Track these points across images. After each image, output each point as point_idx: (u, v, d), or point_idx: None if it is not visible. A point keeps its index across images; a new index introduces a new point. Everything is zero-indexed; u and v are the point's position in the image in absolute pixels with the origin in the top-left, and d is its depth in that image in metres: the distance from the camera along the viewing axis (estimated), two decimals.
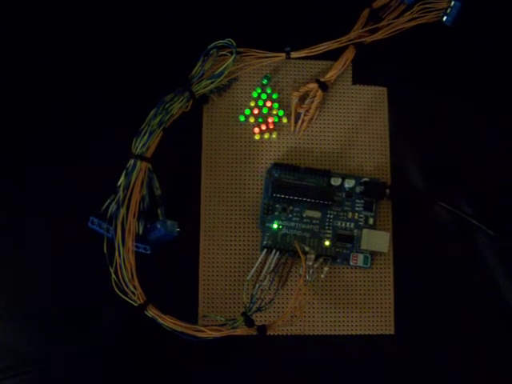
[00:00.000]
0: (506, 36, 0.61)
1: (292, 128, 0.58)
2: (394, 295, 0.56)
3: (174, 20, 0.59)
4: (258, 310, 0.52)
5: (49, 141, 0.56)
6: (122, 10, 0.59)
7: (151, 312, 0.50)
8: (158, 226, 0.52)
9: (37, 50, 0.57)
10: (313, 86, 0.57)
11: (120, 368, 0.54)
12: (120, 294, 0.50)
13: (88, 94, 0.57)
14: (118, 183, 0.53)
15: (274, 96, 0.58)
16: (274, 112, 0.58)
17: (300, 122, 0.57)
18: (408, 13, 0.58)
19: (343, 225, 0.56)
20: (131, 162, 0.52)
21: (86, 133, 0.56)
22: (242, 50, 0.56)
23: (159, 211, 0.53)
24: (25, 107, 0.57)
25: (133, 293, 0.51)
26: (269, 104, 0.58)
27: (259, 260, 0.54)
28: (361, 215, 0.56)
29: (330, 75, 0.57)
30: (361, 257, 0.55)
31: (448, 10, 0.58)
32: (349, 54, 0.57)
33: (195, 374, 0.54)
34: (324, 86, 0.57)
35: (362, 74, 0.59)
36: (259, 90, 0.58)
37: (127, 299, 0.51)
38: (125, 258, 0.51)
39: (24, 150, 0.56)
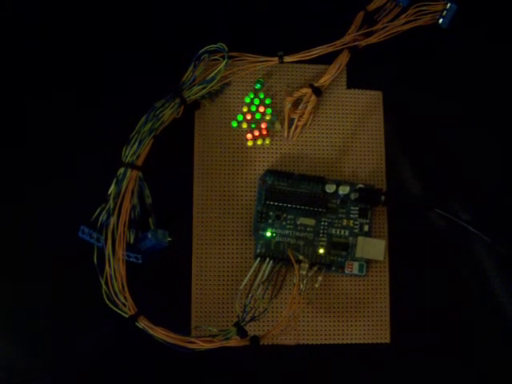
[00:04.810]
0: (503, 39, 0.60)
1: (285, 134, 0.57)
2: (390, 303, 0.55)
3: (165, 25, 0.58)
4: (252, 319, 0.51)
5: (38, 148, 0.55)
6: (112, 14, 0.58)
7: (142, 323, 0.50)
8: (149, 236, 0.51)
9: (27, 53, 0.56)
10: (306, 90, 0.56)
11: (110, 381, 0.53)
12: (110, 305, 0.50)
13: (77, 101, 0.56)
14: (109, 192, 0.52)
15: (267, 101, 0.57)
16: (267, 117, 0.57)
17: (293, 127, 0.56)
18: (403, 16, 0.57)
19: (338, 232, 0.55)
20: (121, 170, 0.52)
21: (76, 141, 0.55)
22: (234, 54, 0.55)
23: (150, 220, 0.53)
24: (14, 114, 0.56)
25: (123, 304, 0.50)
26: (262, 109, 0.57)
27: (252, 269, 0.53)
28: (356, 222, 0.55)
29: (324, 80, 0.56)
30: (356, 265, 0.54)
31: (444, 13, 0.57)
32: (343, 58, 0.56)
33: None
34: (318, 91, 0.56)
35: (356, 78, 0.58)
36: (252, 95, 0.57)
37: (118, 310, 0.50)
38: (115, 269, 0.50)
39: (14, 157, 0.55)
